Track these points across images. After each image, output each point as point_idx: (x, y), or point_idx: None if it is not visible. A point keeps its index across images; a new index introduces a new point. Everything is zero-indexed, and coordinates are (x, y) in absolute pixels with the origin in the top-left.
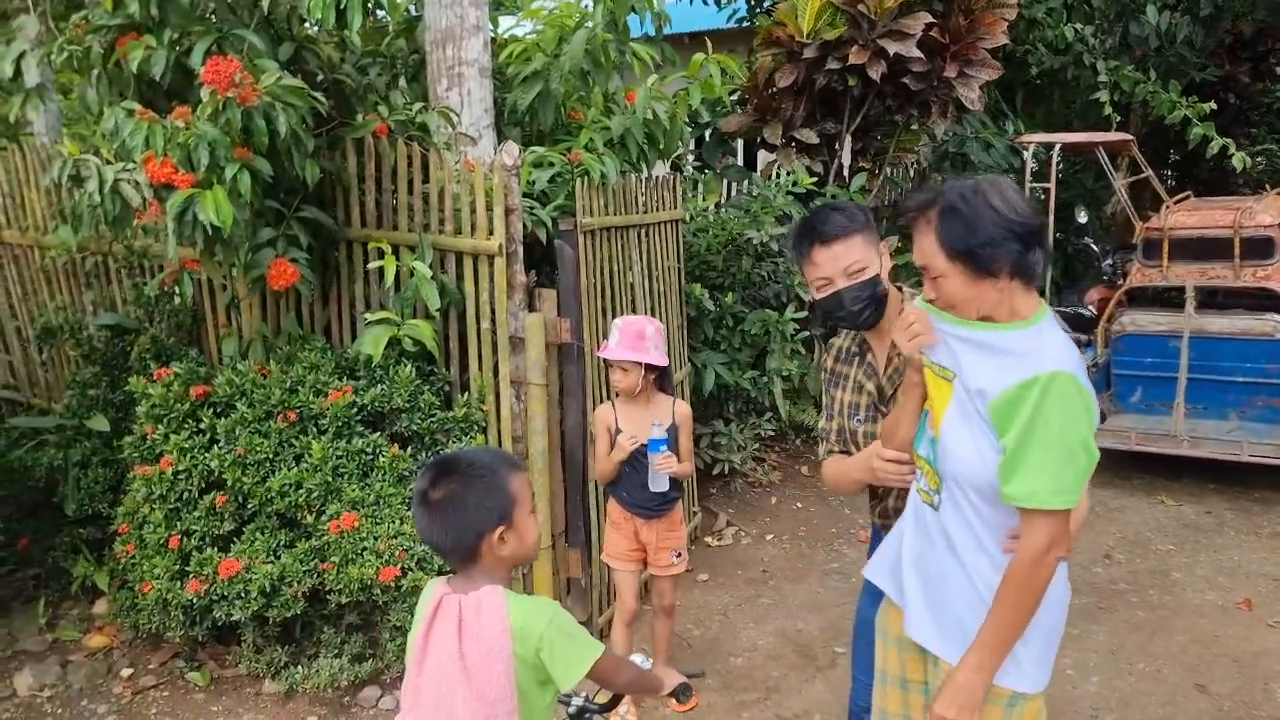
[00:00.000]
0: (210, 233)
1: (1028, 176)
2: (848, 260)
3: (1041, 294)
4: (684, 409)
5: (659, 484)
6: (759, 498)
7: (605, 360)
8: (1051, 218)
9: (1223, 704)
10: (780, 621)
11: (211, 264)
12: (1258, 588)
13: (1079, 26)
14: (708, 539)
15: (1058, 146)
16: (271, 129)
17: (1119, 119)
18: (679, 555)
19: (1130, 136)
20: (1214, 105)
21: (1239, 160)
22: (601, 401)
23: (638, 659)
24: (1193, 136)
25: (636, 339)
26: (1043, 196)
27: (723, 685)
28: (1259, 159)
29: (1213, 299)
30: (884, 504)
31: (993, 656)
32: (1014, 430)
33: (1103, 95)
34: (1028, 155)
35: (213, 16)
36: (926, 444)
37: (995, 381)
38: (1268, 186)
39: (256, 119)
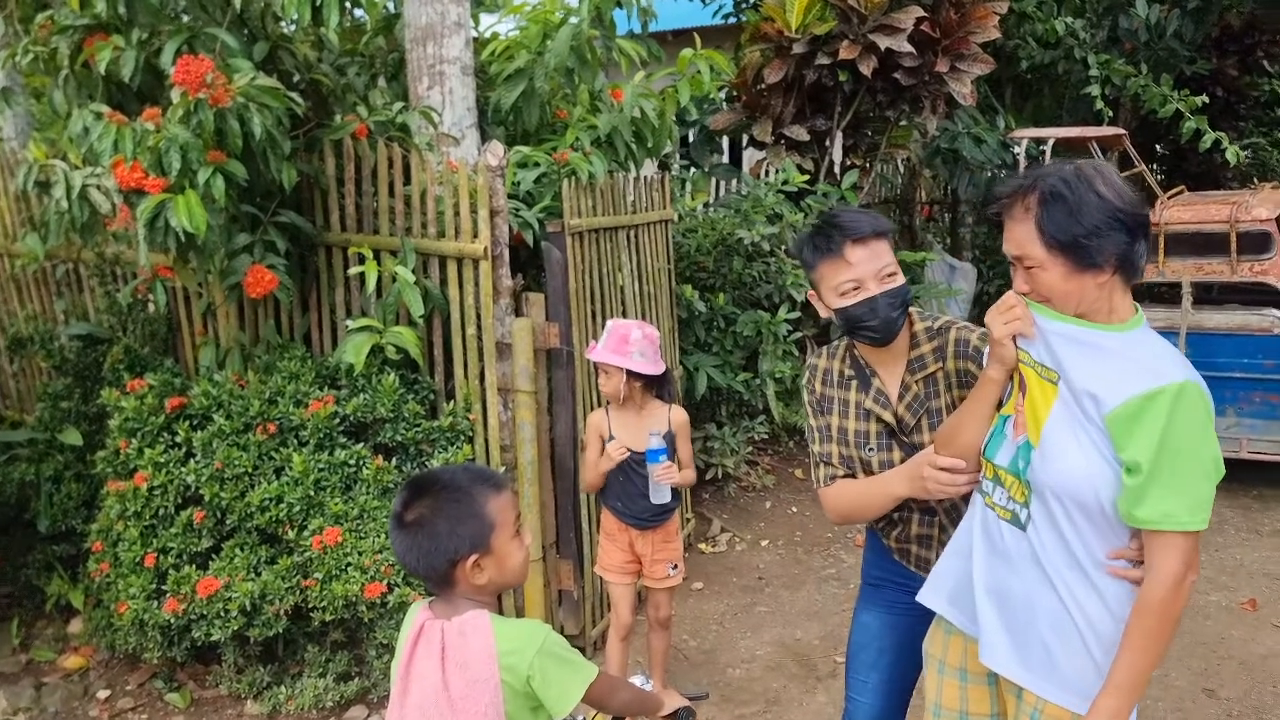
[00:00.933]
0: (183, 239)
1: (1021, 172)
2: (883, 262)
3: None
4: (680, 415)
5: (660, 495)
6: (753, 502)
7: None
8: None
9: (1232, 709)
10: (778, 630)
11: (185, 271)
12: (1261, 588)
13: (1069, 20)
14: (701, 546)
15: (1051, 142)
16: (246, 131)
17: (1110, 114)
18: (675, 567)
19: (1123, 131)
20: (1205, 99)
21: (1232, 154)
22: (594, 408)
23: (638, 680)
24: (1185, 130)
25: (620, 343)
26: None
27: (721, 698)
28: (1246, 152)
29: (1208, 294)
30: (904, 529)
31: (1129, 698)
32: (1140, 447)
33: (1094, 89)
34: (1020, 151)
35: (184, 15)
36: (1010, 451)
37: (1112, 389)
38: (1256, 180)
39: (230, 121)
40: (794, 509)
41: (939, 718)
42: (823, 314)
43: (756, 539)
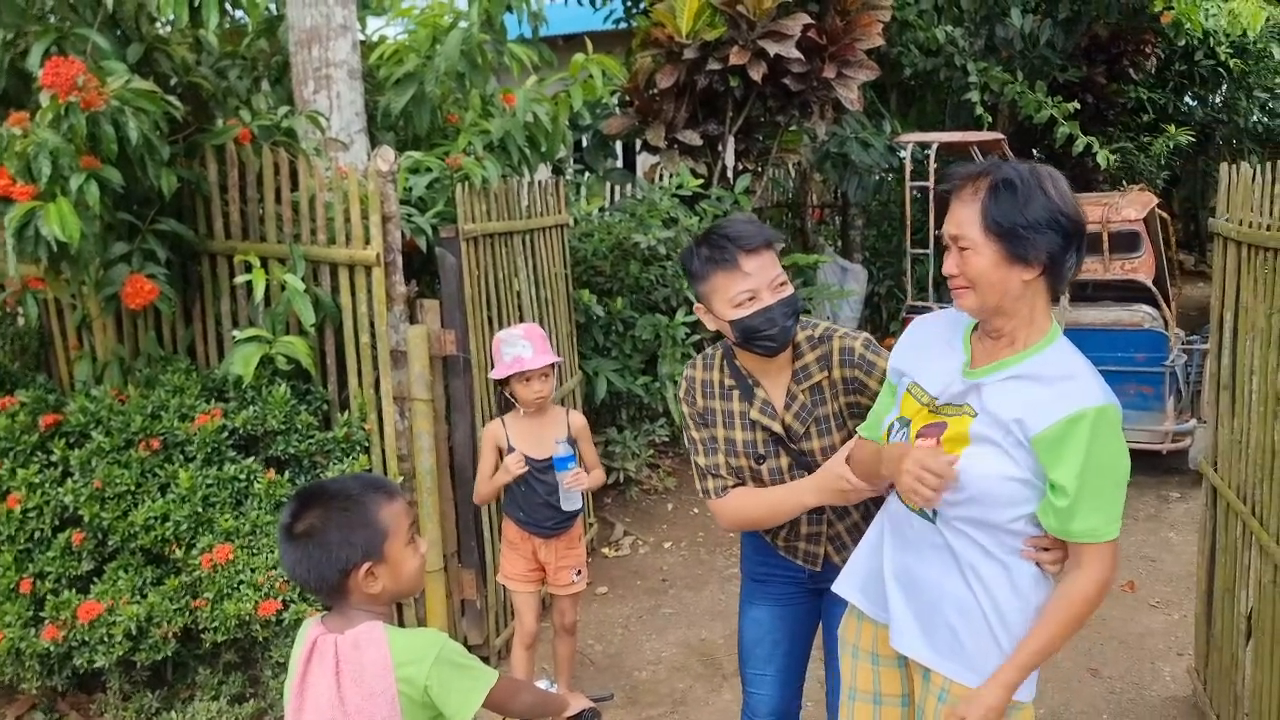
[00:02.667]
0: (55, 249)
1: (907, 175)
2: (774, 271)
3: (922, 290)
4: (579, 419)
5: (572, 502)
6: (655, 505)
7: (515, 376)
8: (931, 216)
9: (1114, 685)
10: (683, 631)
11: (58, 282)
12: (1138, 570)
13: (949, 29)
14: (605, 550)
15: (935, 145)
16: (121, 136)
17: (989, 119)
18: (579, 573)
19: (1002, 135)
20: (1077, 105)
21: (1103, 158)
22: (492, 415)
23: (543, 684)
24: (1059, 135)
25: (543, 340)
26: (918, 196)
27: (628, 701)
28: (1116, 156)
29: (1083, 291)
30: (793, 529)
31: (1023, 674)
32: (1066, 470)
33: (974, 95)
34: (905, 154)
35: (51, 15)
36: None
37: (1037, 413)
38: (1125, 182)
39: (104, 125)
40: (695, 510)
41: (854, 700)
42: (712, 326)
43: (659, 541)
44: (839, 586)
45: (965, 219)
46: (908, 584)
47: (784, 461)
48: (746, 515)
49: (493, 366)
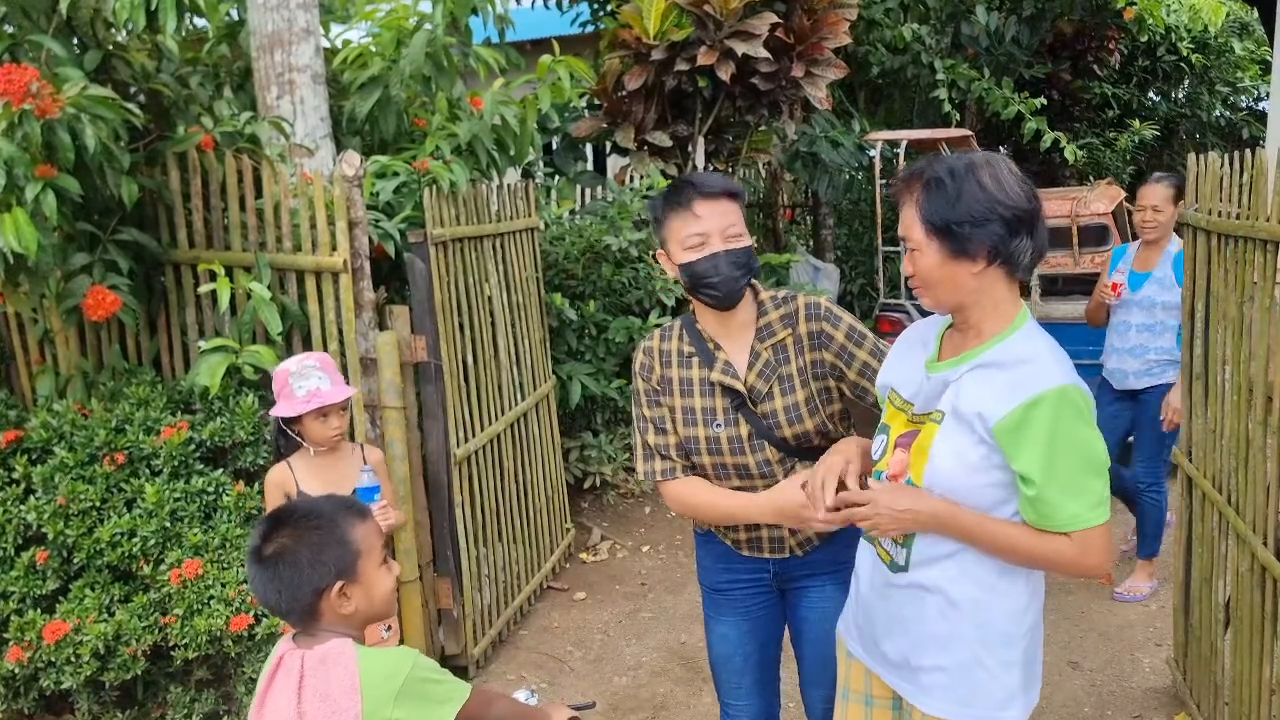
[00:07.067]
0: (12, 261)
1: (877, 173)
2: (729, 220)
3: (894, 288)
4: (376, 453)
5: None
6: (632, 509)
7: (311, 413)
8: None
9: (1095, 678)
10: (663, 635)
11: (17, 295)
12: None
13: (916, 27)
14: (583, 555)
15: (904, 143)
16: (78, 144)
17: (957, 116)
18: (390, 629)
19: (970, 132)
20: (1043, 101)
21: (1070, 153)
22: (470, 421)
23: (522, 695)
24: (1027, 131)
25: (337, 370)
26: (889, 194)
27: (609, 707)
28: (1082, 151)
29: (1054, 286)
30: (755, 527)
31: (960, 528)
32: (1029, 457)
33: (942, 93)
34: (875, 153)
35: (5, 23)
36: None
37: (997, 403)
38: (1091, 177)
39: (60, 133)
40: (672, 513)
41: (847, 700)
42: (671, 274)
43: (637, 545)
44: (842, 627)
45: (908, 220)
46: (889, 633)
47: (744, 430)
48: (693, 504)
49: (300, 397)
